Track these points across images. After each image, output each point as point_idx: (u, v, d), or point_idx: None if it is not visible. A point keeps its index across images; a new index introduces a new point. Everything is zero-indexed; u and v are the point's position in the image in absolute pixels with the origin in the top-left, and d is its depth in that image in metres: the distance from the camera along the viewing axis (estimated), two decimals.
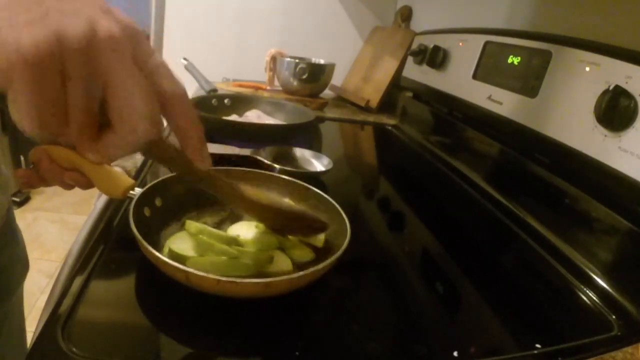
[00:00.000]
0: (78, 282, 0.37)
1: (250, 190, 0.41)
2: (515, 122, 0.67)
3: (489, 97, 0.74)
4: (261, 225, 0.45)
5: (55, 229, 2.11)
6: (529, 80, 0.66)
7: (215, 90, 1.13)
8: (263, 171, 0.55)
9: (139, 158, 0.69)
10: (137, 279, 0.40)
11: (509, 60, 0.71)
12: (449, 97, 0.89)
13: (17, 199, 2.23)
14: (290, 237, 0.45)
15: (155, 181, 0.46)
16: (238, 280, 0.34)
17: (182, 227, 0.45)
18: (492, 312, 0.44)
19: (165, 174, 0.50)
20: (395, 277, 0.48)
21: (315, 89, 1.24)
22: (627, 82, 0.49)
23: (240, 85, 1.28)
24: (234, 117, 0.92)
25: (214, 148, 0.71)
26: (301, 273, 0.36)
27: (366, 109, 1.24)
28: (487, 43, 0.79)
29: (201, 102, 0.93)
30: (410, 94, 1.17)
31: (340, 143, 1.05)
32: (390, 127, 1.15)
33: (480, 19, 0.97)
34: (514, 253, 0.59)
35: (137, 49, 0.25)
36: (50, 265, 1.82)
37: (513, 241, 0.61)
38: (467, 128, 0.84)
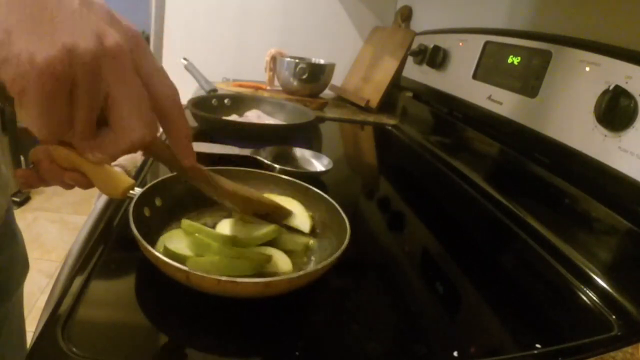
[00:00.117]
0: (78, 282, 0.37)
1: (228, 184, 0.42)
2: (515, 122, 0.67)
3: (489, 97, 0.74)
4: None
5: (55, 229, 2.11)
6: (529, 80, 0.66)
7: (215, 90, 1.12)
8: (263, 171, 0.55)
9: (139, 158, 0.69)
10: (137, 279, 0.40)
11: (509, 60, 0.71)
12: (449, 97, 0.89)
13: (17, 199, 2.23)
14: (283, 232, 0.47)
15: (155, 181, 0.47)
16: (238, 280, 0.34)
17: (180, 227, 0.46)
18: (492, 312, 0.44)
19: (165, 174, 0.50)
20: (395, 277, 0.48)
21: (315, 89, 1.24)
22: (627, 82, 0.49)
23: (240, 85, 1.28)
24: (234, 117, 0.92)
25: (214, 148, 0.71)
26: (301, 273, 0.36)
27: (366, 109, 1.24)
28: (487, 43, 0.79)
29: (201, 102, 0.93)
30: (410, 94, 1.17)
31: (340, 143, 1.05)
32: (390, 127, 1.15)
33: (480, 19, 0.97)
34: (514, 253, 0.59)
35: (138, 55, 0.27)
36: (50, 265, 1.82)
37: (513, 241, 0.61)
38: (467, 128, 0.84)
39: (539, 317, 0.44)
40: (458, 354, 0.36)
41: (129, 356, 0.32)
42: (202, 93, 1.10)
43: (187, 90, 1.22)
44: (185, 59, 1.20)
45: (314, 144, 0.93)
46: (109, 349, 0.32)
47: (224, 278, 0.33)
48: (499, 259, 0.57)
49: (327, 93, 1.34)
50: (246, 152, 0.70)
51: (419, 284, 0.48)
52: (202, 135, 0.84)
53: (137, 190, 0.43)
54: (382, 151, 1.03)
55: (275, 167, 0.65)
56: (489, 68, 0.78)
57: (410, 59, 1.11)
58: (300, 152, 0.74)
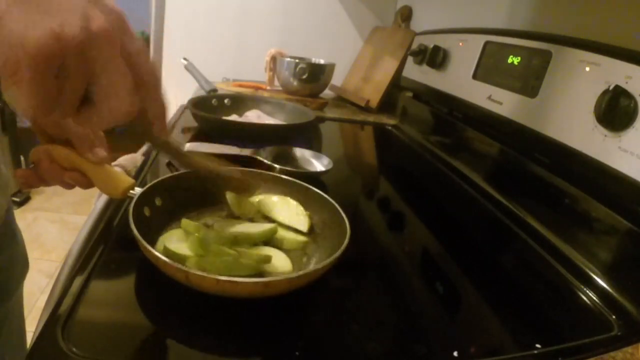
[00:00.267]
0: (78, 282, 0.37)
1: (197, 157, 0.45)
2: (515, 122, 0.67)
3: (489, 97, 0.74)
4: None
5: (55, 229, 2.11)
6: (529, 80, 0.66)
7: (215, 90, 1.12)
8: (263, 171, 0.55)
9: (139, 158, 0.69)
10: (137, 279, 0.40)
11: (509, 60, 0.71)
12: (449, 97, 0.89)
13: (17, 199, 2.23)
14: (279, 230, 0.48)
15: (155, 181, 0.47)
16: (238, 280, 0.34)
17: (179, 226, 0.46)
18: (492, 312, 0.44)
19: (165, 173, 0.50)
20: (395, 277, 0.48)
21: (315, 89, 1.24)
22: (627, 82, 0.49)
23: (240, 85, 1.28)
24: (234, 117, 0.92)
25: (214, 148, 0.71)
26: (301, 273, 0.36)
27: (366, 109, 1.24)
28: (487, 43, 0.79)
29: (201, 102, 0.93)
30: (410, 94, 1.17)
31: (340, 143, 1.05)
32: (390, 127, 1.15)
33: (480, 19, 0.97)
34: (514, 253, 0.59)
35: (123, 36, 0.28)
36: (50, 265, 1.82)
37: (513, 241, 0.61)
38: (467, 128, 0.84)
39: (539, 317, 0.44)
40: (458, 354, 0.36)
41: (129, 356, 0.32)
42: (202, 93, 1.10)
43: (187, 90, 1.22)
44: (185, 59, 1.20)
45: (314, 144, 0.93)
46: (109, 349, 0.32)
47: (223, 278, 0.33)
48: (499, 259, 0.57)
49: (327, 93, 1.34)
50: (246, 152, 0.70)
51: (419, 284, 0.48)
52: (202, 135, 0.84)
53: (137, 190, 0.43)
54: (382, 151, 1.03)
55: (275, 167, 0.65)
56: (489, 68, 0.78)
57: (410, 59, 1.11)
58: (300, 152, 0.74)
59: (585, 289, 0.49)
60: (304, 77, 1.18)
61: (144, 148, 0.74)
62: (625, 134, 0.48)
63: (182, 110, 1.01)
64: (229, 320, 0.36)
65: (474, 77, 0.81)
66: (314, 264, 0.44)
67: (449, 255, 0.54)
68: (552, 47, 0.62)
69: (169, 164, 0.65)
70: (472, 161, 0.81)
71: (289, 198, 0.52)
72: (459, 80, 0.86)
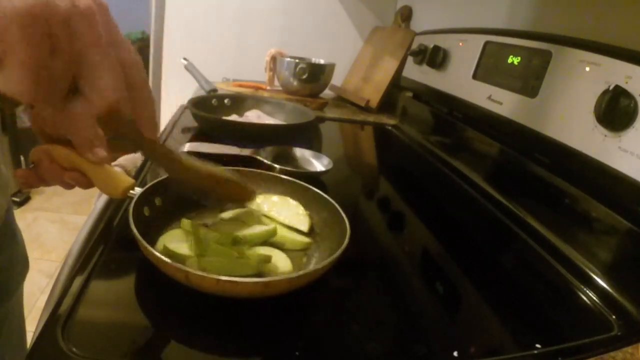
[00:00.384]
0: (78, 282, 0.37)
1: (188, 160, 0.42)
2: (515, 122, 0.67)
3: (489, 97, 0.74)
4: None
5: (55, 229, 2.11)
6: (529, 80, 0.66)
7: (215, 90, 1.12)
8: (263, 171, 0.55)
9: (139, 158, 0.69)
10: (137, 279, 0.40)
11: (509, 60, 0.71)
12: (449, 97, 0.89)
13: (17, 199, 2.23)
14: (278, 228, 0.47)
15: (155, 181, 0.46)
16: (237, 279, 0.34)
17: (180, 227, 0.46)
18: (492, 312, 0.44)
19: (165, 174, 0.50)
20: (395, 277, 0.48)
21: (315, 89, 1.24)
22: (627, 82, 0.49)
23: (240, 85, 1.28)
24: (234, 117, 0.92)
25: (214, 148, 0.71)
26: (301, 273, 0.36)
27: (366, 109, 1.24)
28: (487, 43, 0.79)
29: (201, 102, 0.93)
30: (410, 94, 1.17)
31: (340, 143, 1.05)
32: (390, 127, 1.15)
33: (480, 19, 0.97)
34: (514, 253, 0.59)
35: (106, 21, 0.28)
36: (50, 265, 1.82)
37: (513, 241, 0.61)
38: (467, 128, 0.84)
39: (539, 317, 0.44)
40: (458, 354, 0.36)
41: (129, 356, 0.32)
42: (202, 93, 1.10)
43: (187, 90, 1.22)
44: (185, 59, 1.20)
45: (314, 144, 0.93)
46: (109, 349, 0.32)
47: (223, 278, 0.33)
48: (499, 259, 0.57)
49: (327, 93, 1.34)
50: (246, 152, 0.70)
51: (419, 284, 0.48)
52: (202, 135, 0.84)
53: (137, 190, 0.43)
54: (382, 151, 1.03)
55: (275, 167, 0.65)
56: (489, 68, 0.78)
57: (410, 59, 1.11)
58: (300, 152, 0.74)
59: (585, 289, 0.49)
60: (304, 77, 1.18)
61: None
62: (625, 134, 0.48)
63: (182, 110, 1.01)
64: (229, 320, 0.36)
65: (474, 77, 0.81)
66: (314, 264, 0.44)
67: (449, 255, 0.54)
68: (552, 47, 0.62)
69: None
70: (472, 161, 0.81)
71: (289, 198, 0.52)
72: (459, 80, 0.86)
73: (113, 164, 0.45)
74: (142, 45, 2.84)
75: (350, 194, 0.72)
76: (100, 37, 0.27)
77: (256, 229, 0.46)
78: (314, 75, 1.20)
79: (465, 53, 0.85)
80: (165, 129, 0.89)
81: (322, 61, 1.28)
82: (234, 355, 0.34)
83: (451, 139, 0.92)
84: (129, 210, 0.39)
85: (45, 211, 2.25)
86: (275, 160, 0.69)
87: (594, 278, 0.50)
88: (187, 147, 0.69)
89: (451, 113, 0.93)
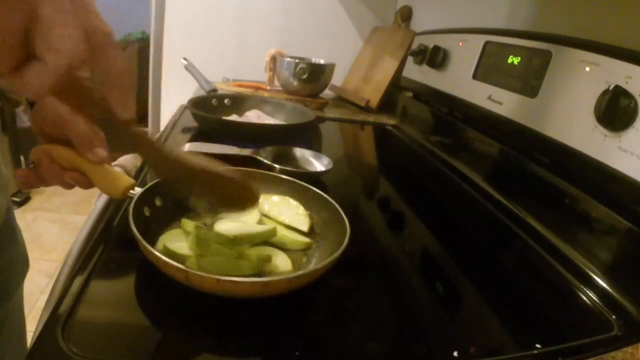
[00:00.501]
0: (78, 282, 0.37)
1: (175, 151, 0.38)
2: (515, 122, 0.67)
3: (489, 97, 0.74)
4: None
5: (55, 229, 2.11)
6: (529, 80, 0.66)
7: (215, 90, 1.12)
8: (263, 171, 0.55)
9: (139, 158, 0.69)
10: (137, 279, 0.40)
11: (509, 60, 0.71)
12: (449, 97, 0.89)
13: (17, 199, 2.23)
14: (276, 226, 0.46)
15: (155, 181, 0.46)
16: (237, 279, 0.34)
17: (180, 227, 0.46)
18: (492, 312, 0.44)
19: None
20: (395, 277, 0.48)
21: (315, 89, 1.23)
22: (627, 82, 0.49)
23: (240, 85, 1.28)
24: (234, 117, 0.92)
25: (214, 148, 0.71)
26: (300, 272, 0.36)
27: (366, 109, 1.24)
28: (487, 43, 0.79)
29: (201, 102, 0.93)
30: (410, 94, 1.17)
31: (340, 143, 1.05)
32: (390, 127, 1.15)
33: (480, 19, 0.97)
34: (514, 253, 0.59)
35: None
36: (50, 265, 1.82)
37: (513, 241, 0.61)
38: (467, 128, 0.84)
39: (539, 317, 0.44)
40: (458, 354, 0.36)
41: (129, 356, 0.32)
42: (202, 93, 1.10)
43: (187, 90, 1.22)
44: (185, 59, 1.20)
45: (314, 144, 0.93)
46: (109, 349, 0.32)
47: (223, 278, 0.33)
48: (499, 259, 0.57)
49: (327, 93, 1.34)
50: (246, 152, 0.70)
51: (419, 284, 0.48)
52: (202, 135, 0.84)
53: (137, 190, 0.43)
54: (382, 151, 1.03)
55: (275, 167, 0.65)
56: (489, 68, 0.78)
57: (410, 59, 1.11)
58: (300, 152, 0.74)
59: (585, 289, 0.49)
60: (304, 77, 1.18)
61: None
62: (625, 134, 0.48)
63: (182, 110, 1.01)
64: (229, 320, 0.36)
65: (474, 77, 0.81)
66: (314, 264, 0.44)
67: (449, 255, 0.54)
68: (552, 47, 0.62)
69: None
70: (472, 161, 0.81)
71: (289, 198, 0.52)
72: (459, 80, 0.86)
73: (113, 164, 0.44)
74: (142, 45, 2.84)
75: (350, 194, 0.72)
76: None
77: (256, 229, 0.46)
78: (314, 75, 1.20)
79: (465, 53, 0.85)
80: (165, 129, 0.89)
81: (322, 61, 1.28)
82: (234, 355, 0.34)
83: (451, 139, 0.92)
84: (129, 210, 0.39)
85: (45, 211, 2.25)
86: (275, 160, 0.69)
87: (594, 278, 0.50)
88: (187, 147, 0.69)
89: (451, 113, 0.93)
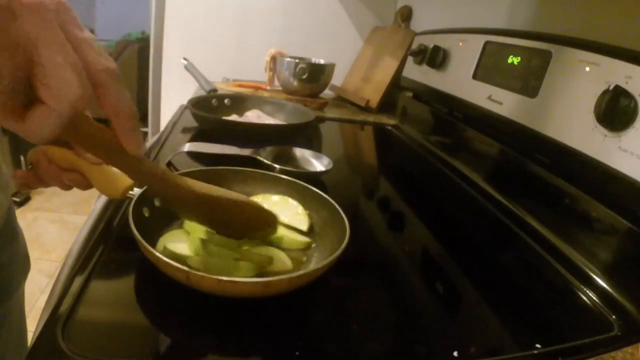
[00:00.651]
0: (78, 282, 0.37)
1: (195, 183, 0.38)
2: (515, 122, 0.67)
3: (489, 97, 0.74)
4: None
5: (55, 229, 2.11)
6: (529, 80, 0.66)
7: (215, 90, 1.13)
8: (263, 171, 0.55)
9: None
10: (137, 279, 0.40)
11: (509, 60, 0.71)
12: (449, 97, 0.89)
13: (17, 199, 2.23)
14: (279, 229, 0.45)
15: None
16: (238, 279, 0.34)
17: (180, 227, 0.46)
18: (492, 312, 0.44)
19: None
20: (395, 277, 0.48)
21: (315, 89, 1.24)
22: (627, 82, 0.49)
23: (240, 85, 1.28)
24: (234, 117, 0.92)
25: (214, 148, 0.71)
26: (301, 272, 0.36)
27: (366, 109, 1.24)
28: (487, 43, 0.79)
29: (201, 102, 0.93)
30: (410, 94, 1.17)
31: (340, 143, 1.05)
32: (390, 127, 1.15)
33: (480, 19, 0.97)
34: (514, 253, 0.59)
35: (64, 17, 0.25)
36: (50, 265, 1.82)
37: (513, 241, 0.61)
38: (467, 128, 0.84)
39: (539, 317, 0.44)
40: (458, 354, 0.36)
41: (129, 356, 0.32)
42: (202, 93, 1.10)
43: (187, 90, 1.22)
44: (185, 59, 1.20)
45: (314, 144, 0.93)
46: (109, 349, 0.32)
47: (223, 278, 0.33)
48: (499, 259, 0.57)
49: (327, 93, 1.34)
50: (246, 152, 0.70)
51: (419, 284, 0.48)
52: (202, 135, 0.84)
53: (137, 190, 0.43)
54: (382, 151, 1.03)
55: (275, 167, 0.65)
56: (489, 68, 0.78)
57: (410, 59, 1.11)
58: (300, 152, 0.74)
59: (585, 289, 0.49)
60: (304, 77, 1.18)
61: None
62: (625, 134, 0.48)
63: (182, 110, 1.01)
64: (229, 320, 0.36)
65: (474, 77, 0.81)
66: (314, 263, 0.44)
67: (449, 255, 0.54)
68: (552, 47, 0.62)
69: (169, 164, 0.65)
70: (472, 161, 0.81)
71: (288, 198, 0.52)
72: (459, 80, 0.86)
73: None
74: (142, 45, 2.84)
75: (350, 194, 0.72)
76: (54, 33, 0.24)
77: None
78: (314, 75, 1.20)
79: (465, 53, 0.85)
80: (165, 129, 0.89)
81: (322, 61, 1.28)
82: (234, 355, 0.34)
83: (451, 139, 0.92)
84: (129, 210, 0.39)
85: (45, 211, 2.25)
86: (275, 160, 0.69)
87: (594, 278, 0.50)
88: (187, 147, 0.69)
89: (451, 113, 0.93)
